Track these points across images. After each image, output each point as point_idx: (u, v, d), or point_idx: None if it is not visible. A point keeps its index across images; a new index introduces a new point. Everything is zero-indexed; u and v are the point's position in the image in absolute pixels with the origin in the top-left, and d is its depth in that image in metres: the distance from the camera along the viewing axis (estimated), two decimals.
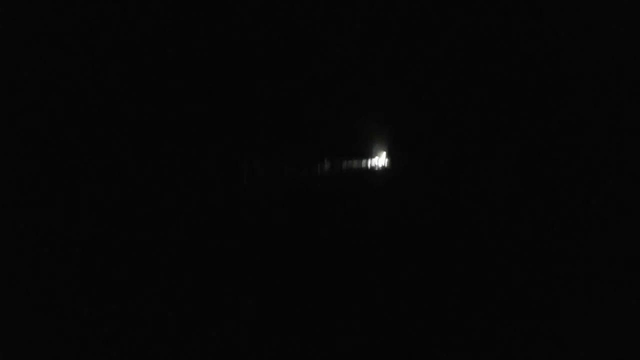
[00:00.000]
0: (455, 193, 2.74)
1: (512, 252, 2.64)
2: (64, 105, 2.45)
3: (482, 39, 2.64)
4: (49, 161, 2.39)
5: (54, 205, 2.32)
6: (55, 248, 2.26)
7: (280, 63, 2.58)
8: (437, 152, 2.83)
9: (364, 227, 2.69)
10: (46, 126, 2.37)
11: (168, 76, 2.55)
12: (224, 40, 2.49)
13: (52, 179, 2.38)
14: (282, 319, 2.47)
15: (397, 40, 2.69)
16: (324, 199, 2.64)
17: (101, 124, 2.53)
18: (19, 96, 2.28)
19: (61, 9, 2.36)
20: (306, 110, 2.70)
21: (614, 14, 2.38)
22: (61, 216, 2.31)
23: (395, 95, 2.73)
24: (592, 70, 2.34)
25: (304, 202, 2.61)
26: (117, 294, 2.32)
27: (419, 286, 2.60)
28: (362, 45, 2.70)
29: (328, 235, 2.63)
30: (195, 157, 2.50)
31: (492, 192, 2.69)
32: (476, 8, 2.54)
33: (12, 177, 2.23)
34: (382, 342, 2.47)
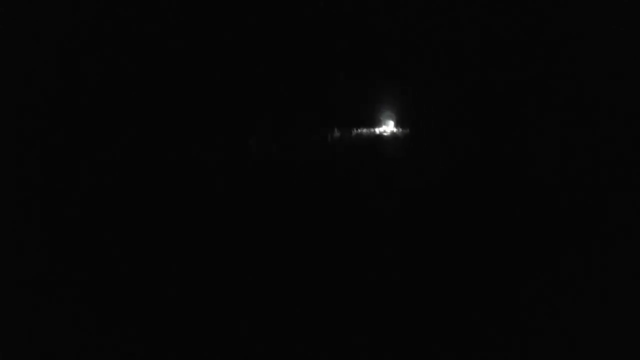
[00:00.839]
0: (466, 162, 2.75)
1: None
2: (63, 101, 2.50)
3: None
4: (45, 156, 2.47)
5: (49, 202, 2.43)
6: (51, 246, 2.40)
7: (288, 32, 2.68)
8: (447, 121, 2.84)
9: (381, 196, 2.72)
10: (46, 124, 2.47)
11: (167, 46, 2.56)
12: (228, 7, 2.53)
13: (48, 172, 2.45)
14: (295, 301, 2.46)
15: (407, 9, 2.70)
16: (337, 168, 2.72)
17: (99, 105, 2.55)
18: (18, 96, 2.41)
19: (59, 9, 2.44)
20: (314, 80, 2.77)
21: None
22: (58, 211, 2.43)
23: (405, 63, 2.73)
24: None
25: (316, 171, 2.72)
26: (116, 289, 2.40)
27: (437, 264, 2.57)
28: (370, 11, 2.74)
29: (344, 206, 2.68)
30: (200, 130, 2.53)
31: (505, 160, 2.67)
32: None
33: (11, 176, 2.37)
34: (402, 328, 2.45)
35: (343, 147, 2.73)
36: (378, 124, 2.73)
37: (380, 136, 2.73)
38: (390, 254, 2.62)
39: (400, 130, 2.76)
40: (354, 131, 2.73)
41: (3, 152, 2.52)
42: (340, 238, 2.68)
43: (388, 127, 2.72)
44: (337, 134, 2.72)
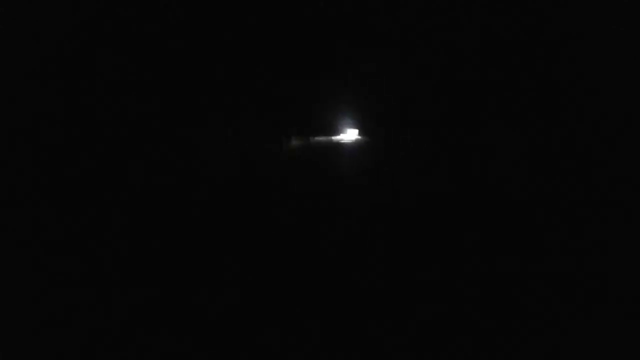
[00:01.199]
0: (428, 168, 2.74)
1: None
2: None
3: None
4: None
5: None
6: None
7: (245, 33, 2.66)
8: (409, 127, 2.82)
9: (337, 207, 2.62)
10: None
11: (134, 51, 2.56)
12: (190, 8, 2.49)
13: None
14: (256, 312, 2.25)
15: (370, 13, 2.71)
16: (291, 178, 2.65)
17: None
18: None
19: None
20: (269, 84, 2.72)
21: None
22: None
23: (365, 69, 2.70)
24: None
25: (269, 181, 2.68)
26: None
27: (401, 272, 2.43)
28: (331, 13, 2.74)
29: (298, 218, 2.58)
30: (149, 135, 2.49)
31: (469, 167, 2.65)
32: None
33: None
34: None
35: (299, 154, 2.64)
36: (338, 131, 2.65)
37: (339, 144, 2.64)
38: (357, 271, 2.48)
39: (361, 139, 2.67)
40: (312, 138, 2.64)
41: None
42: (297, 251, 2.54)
43: (348, 135, 2.64)
44: (293, 141, 2.64)
